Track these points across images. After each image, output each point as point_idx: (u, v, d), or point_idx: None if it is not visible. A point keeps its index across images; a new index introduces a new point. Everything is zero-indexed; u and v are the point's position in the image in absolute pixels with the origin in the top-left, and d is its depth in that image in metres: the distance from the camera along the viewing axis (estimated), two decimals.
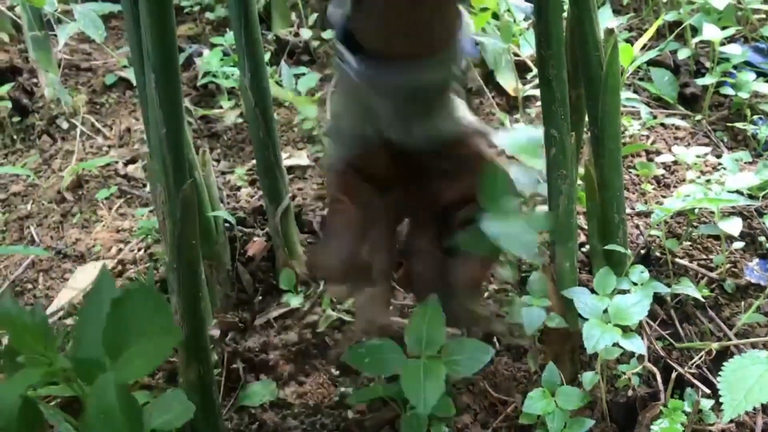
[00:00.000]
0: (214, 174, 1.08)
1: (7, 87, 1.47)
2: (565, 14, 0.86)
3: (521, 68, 1.35)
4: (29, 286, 1.14)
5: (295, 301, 1.00)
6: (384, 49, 0.62)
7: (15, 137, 1.48)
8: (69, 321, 1.04)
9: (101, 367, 0.56)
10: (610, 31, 0.84)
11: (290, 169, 1.27)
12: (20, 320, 0.57)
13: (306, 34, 1.57)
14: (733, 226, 0.92)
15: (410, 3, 0.58)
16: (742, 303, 0.94)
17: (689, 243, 1.01)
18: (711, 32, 1.20)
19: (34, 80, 1.56)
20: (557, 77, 0.83)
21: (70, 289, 1.10)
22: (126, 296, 0.54)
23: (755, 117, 1.23)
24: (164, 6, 0.70)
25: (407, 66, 0.62)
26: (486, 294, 0.96)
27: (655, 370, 0.84)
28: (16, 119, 1.50)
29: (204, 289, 0.90)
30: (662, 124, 1.25)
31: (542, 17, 0.81)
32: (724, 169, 1.09)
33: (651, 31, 1.18)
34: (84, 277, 1.12)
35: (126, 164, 1.38)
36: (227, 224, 1.05)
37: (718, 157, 1.15)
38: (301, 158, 1.30)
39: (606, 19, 1.20)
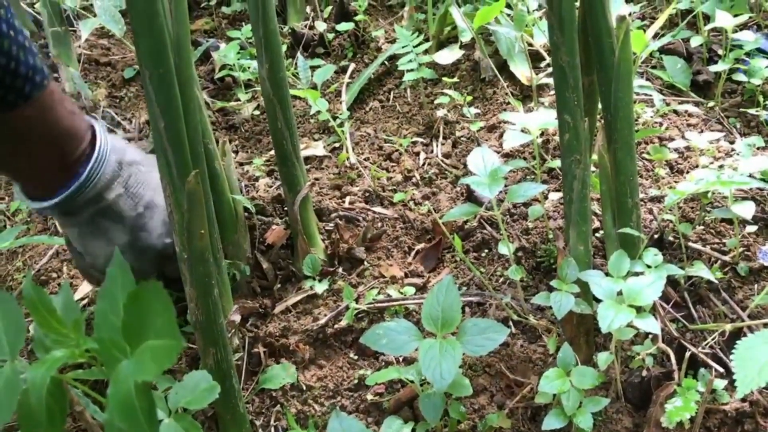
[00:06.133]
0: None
1: None
2: (577, 2, 0.87)
3: (534, 57, 1.36)
4: (54, 275, 1.16)
5: (319, 287, 1.01)
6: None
7: None
8: (92, 309, 1.06)
9: (123, 351, 0.58)
10: (622, 18, 0.84)
11: (306, 159, 1.29)
12: (45, 304, 0.59)
13: (321, 26, 1.58)
14: (747, 209, 0.92)
15: None
16: (755, 286, 0.95)
17: (702, 227, 1.02)
18: (723, 19, 1.21)
19: (55, 75, 1.58)
20: (570, 63, 0.84)
21: None
22: (139, 292, 0.56)
23: None
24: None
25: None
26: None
27: (669, 350, 0.84)
28: None
29: (224, 276, 0.92)
30: (675, 111, 1.25)
31: (555, 4, 0.82)
32: (737, 154, 1.09)
33: (663, 19, 1.19)
34: None
35: None
36: (246, 213, 1.06)
37: (731, 143, 1.15)
38: (317, 149, 1.32)
39: (618, 7, 1.20)
